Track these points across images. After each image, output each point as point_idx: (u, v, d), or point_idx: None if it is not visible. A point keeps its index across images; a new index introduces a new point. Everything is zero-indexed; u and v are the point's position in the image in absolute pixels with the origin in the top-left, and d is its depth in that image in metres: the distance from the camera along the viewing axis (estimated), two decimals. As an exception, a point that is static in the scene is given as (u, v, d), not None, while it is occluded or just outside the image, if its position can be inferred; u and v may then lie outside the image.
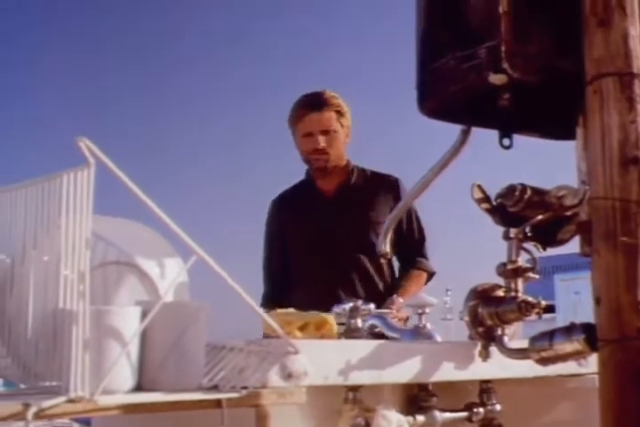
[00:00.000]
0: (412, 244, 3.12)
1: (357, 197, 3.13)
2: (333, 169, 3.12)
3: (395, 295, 2.78)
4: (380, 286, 3.04)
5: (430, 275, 3.14)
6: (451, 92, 1.21)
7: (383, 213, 3.05)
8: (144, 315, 1.11)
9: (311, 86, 3.22)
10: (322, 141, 3.04)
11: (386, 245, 1.57)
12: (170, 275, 1.24)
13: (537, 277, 1.40)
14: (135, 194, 0.98)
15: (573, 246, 1.29)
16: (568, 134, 1.29)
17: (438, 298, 1.90)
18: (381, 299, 2.81)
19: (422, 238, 3.16)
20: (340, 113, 3.09)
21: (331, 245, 3.05)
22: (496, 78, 1.15)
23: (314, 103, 3.08)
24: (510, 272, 1.39)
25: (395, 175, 3.19)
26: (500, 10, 1.14)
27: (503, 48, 1.14)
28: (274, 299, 3.01)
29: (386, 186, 3.14)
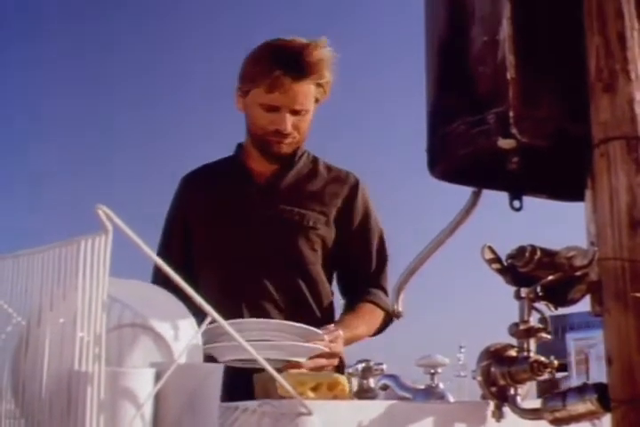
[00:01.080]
0: (366, 269, 2.35)
1: (296, 189, 2.36)
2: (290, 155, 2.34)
3: (332, 325, 2.08)
4: (317, 313, 2.28)
5: (389, 316, 2.25)
6: (461, 156, 1.24)
7: (324, 217, 2.32)
8: (158, 377, 1.11)
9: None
10: (289, 124, 2.24)
11: (398, 304, 1.57)
12: (184, 337, 1.25)
13: (549, 337, 1.41)
14: (152, 258, 1.00)
15: (585, 305, 1.30)
16: (578, 196, 1.30)
17: (452, 355, 1.90)
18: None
19: (383, 265, 2.37)
20: (320, 85, 2.27)
21: (247, 249, 2.28)
22: (505, 143, 1.17)
23: (294, 67, 2.19)
24: (522, 332, 1.39)
25: (356, 174, 2.43)
26: (508, 76, 1.18)
27: (511, 114, 1.16)
28: None
29: (339, 184, 2.39)
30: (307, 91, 2.23)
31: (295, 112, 2.24)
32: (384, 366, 1.85)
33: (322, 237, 2.32)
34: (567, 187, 1.34)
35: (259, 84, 2.23)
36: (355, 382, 1.83)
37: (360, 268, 2.36)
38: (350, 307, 2.28)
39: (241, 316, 2.12)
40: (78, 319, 1.07)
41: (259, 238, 2.28)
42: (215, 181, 2.43)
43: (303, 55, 2.20)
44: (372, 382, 1.81)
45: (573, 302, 1.38)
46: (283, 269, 2.27)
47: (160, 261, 0.97)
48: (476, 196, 1.39)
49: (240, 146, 2.46)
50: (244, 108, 2.34)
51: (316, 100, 2.30)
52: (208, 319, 1.04)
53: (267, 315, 2.15)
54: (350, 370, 1.85)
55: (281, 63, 2.18)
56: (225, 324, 1.03)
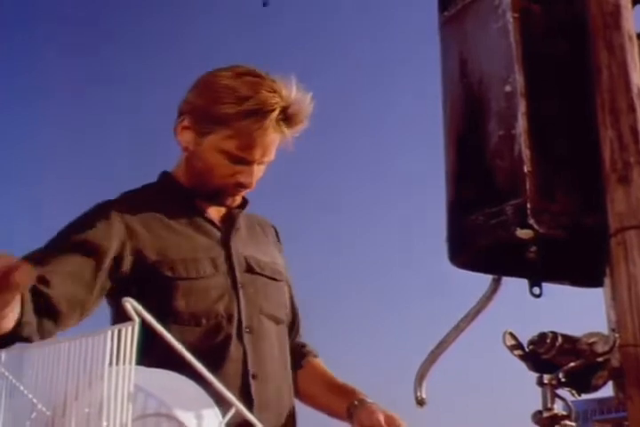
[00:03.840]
0: (295, 317, 2.06)
1: (249, 236, 1.97)
2: None
3: (361, 399, 1.88)
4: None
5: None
6: (480, 247, 1.27)
7: (280, 266, 1.99)
8: (182, 467, 1.11)
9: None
10: (256, 175, 1.85)
11: (422, 392, 1.55)
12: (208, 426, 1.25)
13: (574, 424, 1.40)
14: (177, 349, 1.02)
15: (610, 390, 1.30)
16: (597, 282, 1.32)
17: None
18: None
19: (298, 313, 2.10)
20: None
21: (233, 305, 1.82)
22: (523, 233, 1.20)
23: (285, 120, 1.79)
24: (547, 421, 1.38)
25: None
26: (525, 169, 1.21)
27: (529, 205, 1.20)
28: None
29: (268, 228, 2.07)
30: (277, 140, 1.84)
31: (262, 163, 1.85)
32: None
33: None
34: (586, 273, 1.35)
35: (228, 127, 1.78)
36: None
37: (297, 324, 2.09)
38: (300, 364, 2.05)
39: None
40: (104, 409, 1.08)
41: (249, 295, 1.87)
42: (164, 218, 1.86)
43: (299, 108, 1.81)
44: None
45: (596, 388, 1.38)
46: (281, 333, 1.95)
47: (187, 355, 0.98)
48: (497, 283, 1.40)
49: (167, 175, 1.96)
50: (194, 147, 1.85)
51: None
52: (232, 410, 1.04)
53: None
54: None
55: (269, 112, 1.76)
56: (250, 416, 1.04)
